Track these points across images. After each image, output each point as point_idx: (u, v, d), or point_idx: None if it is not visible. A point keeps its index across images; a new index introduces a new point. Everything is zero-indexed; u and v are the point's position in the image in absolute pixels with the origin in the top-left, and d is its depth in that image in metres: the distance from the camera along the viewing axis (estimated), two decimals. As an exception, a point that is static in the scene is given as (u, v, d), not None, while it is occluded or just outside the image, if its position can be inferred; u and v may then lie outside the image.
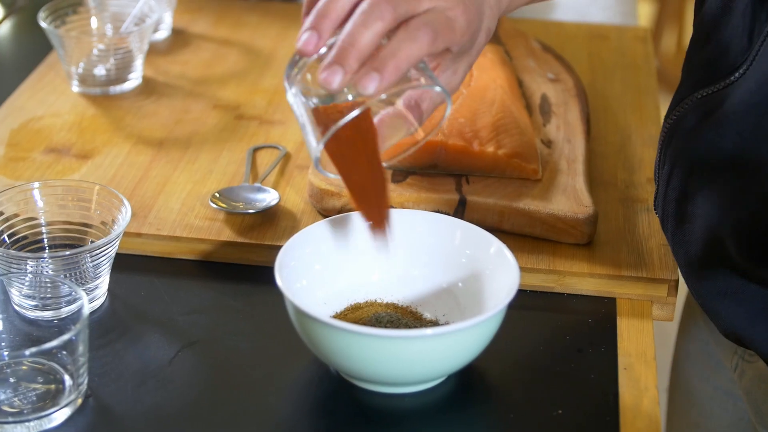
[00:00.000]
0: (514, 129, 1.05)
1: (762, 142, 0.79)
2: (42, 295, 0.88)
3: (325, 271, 0.88)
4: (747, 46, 0.83)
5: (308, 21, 0.78)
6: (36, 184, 0.93)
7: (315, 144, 0.79)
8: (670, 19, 2.81)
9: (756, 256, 0.82)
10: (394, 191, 0.99)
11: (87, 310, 0.80)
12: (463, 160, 1.01)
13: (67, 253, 0.87)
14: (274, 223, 0.99)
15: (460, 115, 1.05)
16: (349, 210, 0.98)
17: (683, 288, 0.95)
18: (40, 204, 0.93)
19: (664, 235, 0.92)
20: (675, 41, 2.43)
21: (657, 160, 0.91)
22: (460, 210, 0.98)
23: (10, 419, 0.79)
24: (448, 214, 0.97)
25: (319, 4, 0.78)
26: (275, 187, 1.04)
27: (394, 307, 0.89)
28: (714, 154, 0.83)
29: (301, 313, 0.79)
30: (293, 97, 0.81)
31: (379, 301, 0.89)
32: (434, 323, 0.87)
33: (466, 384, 0.84)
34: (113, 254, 0.90)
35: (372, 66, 0.75)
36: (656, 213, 0.92)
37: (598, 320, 0.91)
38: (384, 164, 0.85)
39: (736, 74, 0.83)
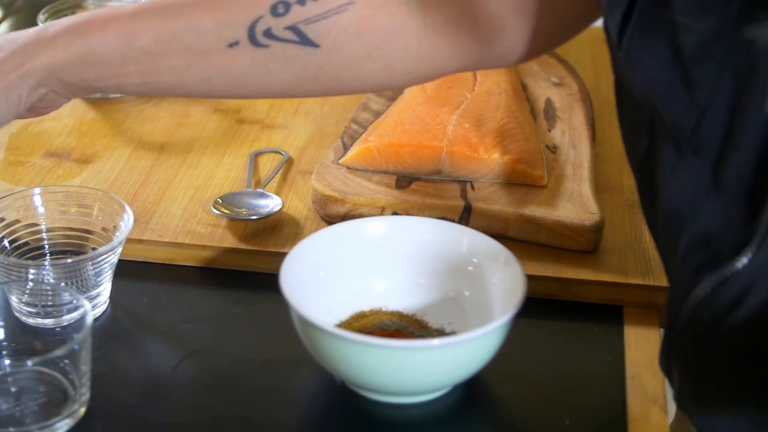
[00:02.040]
0: (519, 134, 1.04)
1: None
2: (43, 303, 0.87)
3: (329, 279, 0.87)
4: (749, 218, 0.69)
5: None
6: (37, 190, 0.92)
7: None
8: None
9: None
10: (398, 197, 0.98)
11: (90, 318, 0.79)
12: (468, 166, 1.00)
13: (69, 260, 0.86)
14: (277, 230, 0.98)
15: (464, 120, 1.04)
16: (354, 216, 0.97)
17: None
18: (41, 210, 0.92)
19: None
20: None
21: (667, 355, 0.80)
22: (465, 216, 0.97)
23: (12, 429, 0.78)
24: (452, 220, 0.96)
25: None
26: (278, 192, 1.03)
27: (399, 315, 0.88)
28: (740, 355, 0.72)
29: (306, 323, 0.78)
30: None
31: (384, 309, 0.88)
32: (440, 332, 0.86)
33: (472, 394, 0.83)
34: (115, 261, 0.89)
35: None
36: (685, 411, 0.80)
37: (604, 329, 0.90)
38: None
39: (749, 254, 0.69)
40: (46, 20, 1.18)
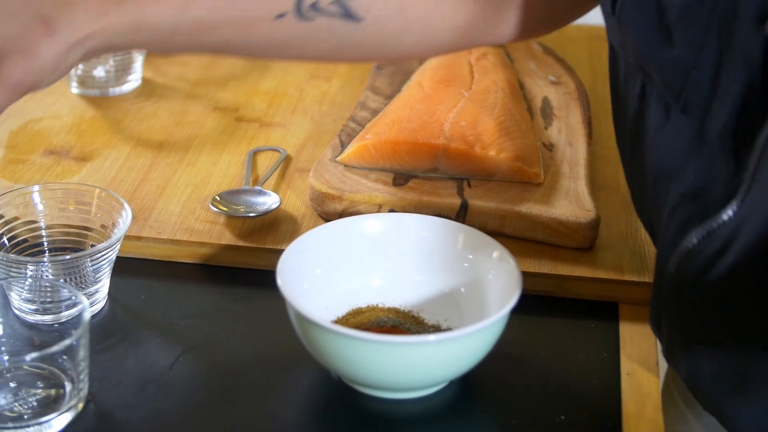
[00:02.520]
0: (516, 132, 1.04)
1: None
2: (42, 299, 0.87)
3: (326, 276, 0.87)
4: (734, 172, 0.72)
5: None
6: (36, 187, 0.93)
7: None
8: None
9: None
10: (395, 195, 0.99)
11: (88, 315, 0.79)
12: (465, 163, 1.01)
13: (68, 257, 0.87)
14: (274, 227, 0.99)
15: (461, 118, 1.05)
16: (351, 214, 0.97)
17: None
18: (40, 207, 0.93)
19: (689, 383, 0.83)
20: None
21: (658, 310, 0.83)
22: (461, 214, 0.98)
23: (10, 425, 0.79)
24: (449, 218, 0.96)
25: None
26: (276, 190, 1.03)
27: (395, 311, 0.88)
28: (750, 291, 0.74)
29: (303, 318, 0.79)
30: None
31: (380, 305, 0.89)
32: (436, 328, 0.87)
33: (469, 389, 0.84)
34: (114, 258, 0.90)
35: None
36: (672, 364, 0.84)
37: (600, 325, 0.91)
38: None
39: (734, 206, 0.72)
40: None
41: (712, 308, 0.77)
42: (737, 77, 0.70)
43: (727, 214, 0.72)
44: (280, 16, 0.84)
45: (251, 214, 0.98)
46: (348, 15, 0.85)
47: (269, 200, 1.00)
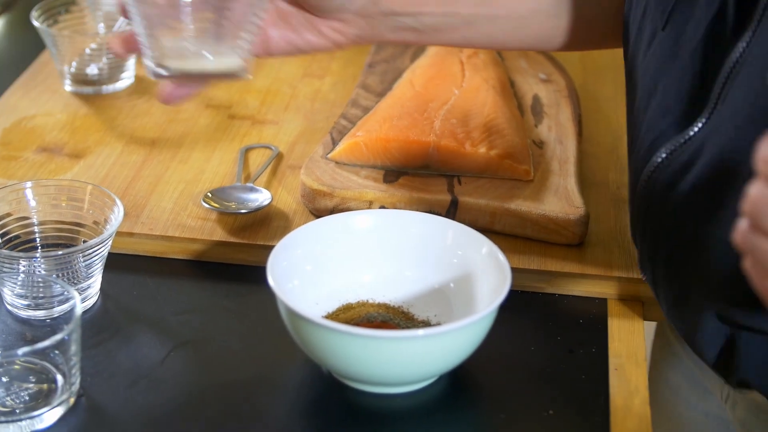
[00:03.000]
0: (506, 130, 1.05)
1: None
2: (34, 295, 0.88)
3: (316, 272, 0.88)
4: (703, 90, 0.79)
5: None
6: (28, 184, 0.93)
7: None
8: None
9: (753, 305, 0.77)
10: (386, 192, 0.99)
11: (79, 310, 0.80)
12: (455, 160, 1.01)
13: (60, 252, 0.88)
14: (266, 223, 0.99)
15: (452, 116, 1.05)
16: (342, 210, 0.98)
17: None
18: (33, 203, 0.93)
19: (657, 296, 0.88)
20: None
21: (636, 225, 0.87)
22: (452, 211, 0.98)
23: (2, 419, 0.79)
24: (440, 214, 0.97)
25: None
26: (267, 187, 1.04)
27: (385, 307, 0.89)
28: (709, 205, 0.78)
29: (293, 314, 0.80)
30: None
31: (370, 301, 0.89)
32: (426, 323, 0.88)
33: (458, 384, 0.85)
34: (105, 254, 0.90)
35: None
36: (642, 275, 0.89)
37: (589, 321, 0.92)
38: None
39: (700, 122, 0.78)
40: (39, 17, 1.19)
41: (678, 223, 0.81)
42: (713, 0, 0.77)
43: (693, 130, 0.79)
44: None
45: (243, 211, 0.99)
46: None
47: (261, 197, 1.01)
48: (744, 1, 0.76)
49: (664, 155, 0.81)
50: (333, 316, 0.87)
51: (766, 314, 0.75)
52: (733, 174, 0.75)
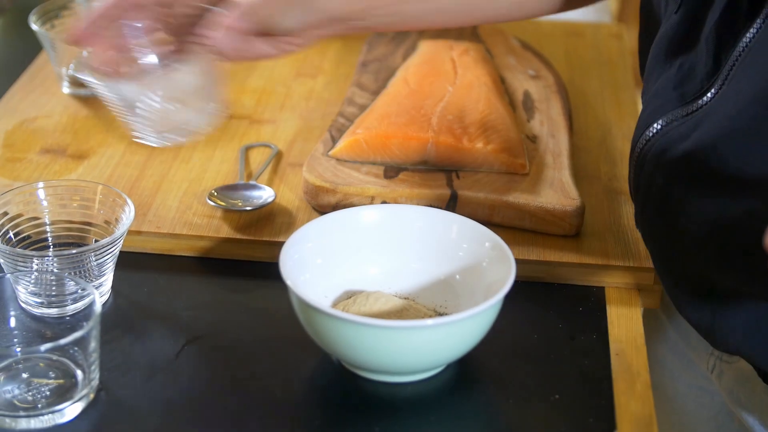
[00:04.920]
0: (501, 125, 1.08)
1: (748, 164, 0.79)
2: (47, 293, 0.90)
3: (326, 265, 0.90)
4: (713, 69, 0.84)
5: None
6: (40, 184, 0.95)
7: None
8: (634, 13, 2.85)
9: (741, 270, 0.83)
10: (387, 187, 1.02)
11: (99, 306, 0.82)
12: (454, 155, 1.04)
13: (74, 251, 0.90)
14: (270, 220, 1.02)
15: (448, 112, 1.08)
16: (344, 206, 1.00)
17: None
18: (44, 204, 0.95)
19: (648, 250, 0.93)
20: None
21: (631, 183, 0.92)
22: (451, 204, 1.01)
23: (24, 413, 0.81)
24: (440, 208, 0.99)
25: None
26: (269, 184, 1.06)
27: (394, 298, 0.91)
28: (694, 176, 0.83)
29: (307, 306, 0.82)
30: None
31: (379, 292, 0.91)
32: (433, 313, 0.90)
33: (465, 372, 0.87)
34: (117, 252, 0.92)
35: None
36: (638, 229, 0.94)
37: (588, 309, 0.95)
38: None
39: (705, 98, 0.84)
40: (37, 21, 1.20)
41: (664, 186, 0.86)
42: None
43: (696, 104, 0.84)
44: None
45: (248, 208, 1.01)
46: None
47: (264, 194, 1.03)
48: None
49: (663, 123, 0.86)
50: (342, 307, 0.90)
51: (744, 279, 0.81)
52: (724, 149, 0.80)
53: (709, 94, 0.84)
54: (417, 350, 0.82)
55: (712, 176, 0.81)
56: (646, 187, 0.88)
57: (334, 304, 0.90)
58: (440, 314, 0.90)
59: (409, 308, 0.90)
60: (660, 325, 1.09)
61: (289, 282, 0.83)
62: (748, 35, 0.81)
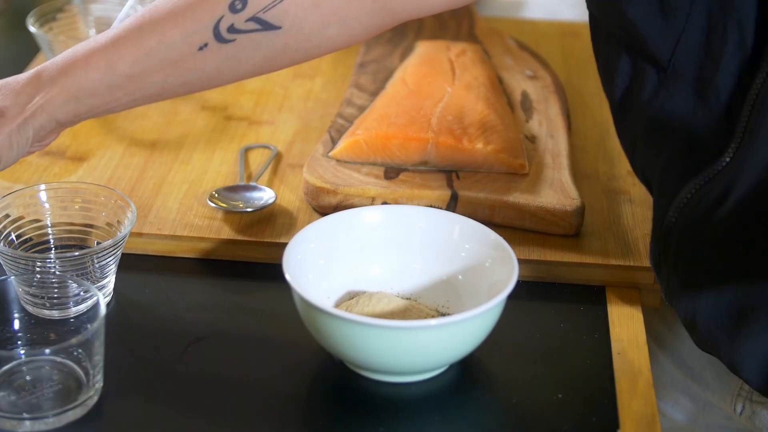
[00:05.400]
0: (500, 125, 1.08)
1: None
2: (49, 295, 0.90)
3: (329, 266, 0.91)
4: (726, 126, 0.80)
5: None
6: (42, 186, 0.95)
7: None
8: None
9: None
10: (388, 188, 1.02)
11: (104, 308, 0.82)
12: (454, 156, 1.05)
13: (77, 253, 0.90)
14: (271, 221, 1.02)
15: (447, 113, 1.08)
16: (345, 207, 1.01)
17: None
18: (46, 206, 0.95)
19: (688, 322, 0.88)
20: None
21: (657, 255, 0.89)
22: (452, 205, 1.01)
23: (29, 416, 0.81)
24: (440, 209, 1.00)
25: None
26: (269, 185, 1.06)
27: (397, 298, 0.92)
28: (739, 237, 0.81)
29: (311, 307, 0.82)
30: None
31: (381, 293, 0.92)
32: (436, 312, 0.90)
33: (468, 372, 0.88)
34: (120, 254, 0.92)
35: None
36: (669, 302, 0.90)
37: (589, 308, 0.95)
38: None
39: (727, 158, 0.80)
40: (35, 23, 1.20)
41: (715, 250, 0.83)
42: (729, 38, 0.78)
43: (721, 164, 0.80)
44: (203, 47, 0.89)
45: (249, 209, 1.01)
46: (267, 27, 0.88)
47: (265, 195, 1.04)
48: (760, 33, 0.78)
49: (693, 191, 0.83)
50: (344, 307, 0.90)
51: None
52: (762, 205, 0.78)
53: (731, 150, 0.80)
54: (421, 350, 0.83)
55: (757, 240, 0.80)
56: (690, 258, 0.86)
57: (337, 305, 0.91)
58: (443, 314, 0.90)
59: (411, 308, 0.90)
60: (661, 369, 1.07)
61: (292, 283, 0.84)
62: (758, 82, 0.77)
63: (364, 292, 0.92)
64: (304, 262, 0.88)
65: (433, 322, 0.81)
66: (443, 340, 0.83)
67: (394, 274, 0.93)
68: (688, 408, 1.06)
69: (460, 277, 0.91)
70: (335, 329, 0.82)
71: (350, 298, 0.91)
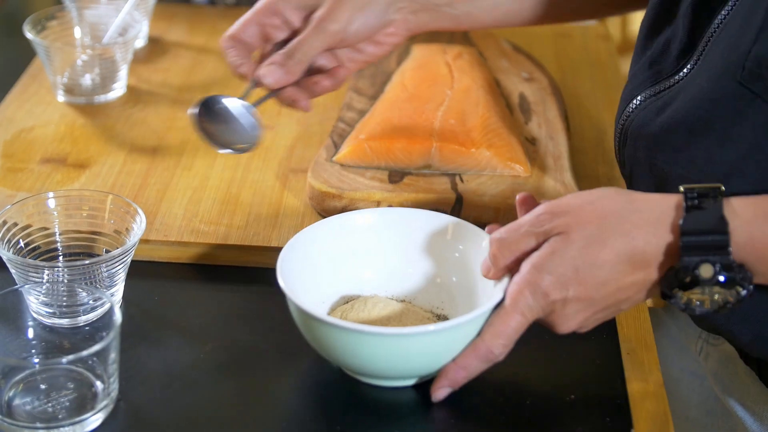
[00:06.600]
0: (502, 128, 1.09)
1: (721, 134, 0.84)
2: (59, 303, 0.90)
3: (323, 270, 0.91)
4: (688, 46, 0.89)
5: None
6: (50, 194, 0.95)
7: None
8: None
9: None
10: (393, 192, 1.03)
11: (119, 317, 0.82)
12: (457, 159, 1.05)
13: (87, 261, 0.90)
14: (278, 226, 1.02)
15: (449, 116, 1.09)
16: (350, 211, 1.01)
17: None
18: (54, 214, 0.95)
19: None
20: (619, 31, 2.50)
21: (617, 160, 0.97)
22: (456, 208, 1.02)
23: (44, 425, 0.81)
24: (445, 212, 1.00)
25: None
26: (272, 191, 1.07)
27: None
28: (673, 148, 0.87)
29: (306, 315, 0.82)
30: None
31: (376, 296, 0.92)
32: (430, 315, 0.91)
33: (480, 375, 0.88)
34: (129, 262, 0.92)
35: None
36: None
37: (596, 309, 0.96)
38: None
39: (681, 73, 0.89)
40: (31, 30, 1.20)
41: (646, 158, 0.90)
42: None
43: (673, 80, 0.89)
44: None
45: (228, 150, 0.99)
46: None
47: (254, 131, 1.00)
48: None
49: (641, 99, 0.91)
50: (340, 313, 0.90)
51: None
52: (699, 119, 0.84)
53: (684, 71, 0.89)
54: (421, 355, 0.83)
55: (687, 147, 0.85)
56: (631, 161, 0.92)
57: (332, 310, 0.91)
58: (438, 316, 0.91)
59: (407, 311, 0.90)
60: (654, 312, 1.11)
61: (286, 289, 0.83)
62: (723, 12, 0.85)
63: (358, 296, 0.92)
64: (299, 268, 0.88)
65: (431, 327, 0.81)
66: (444, 344, 0.83)
67: (388, 277, 0.93)
68: (667, 349, 1.10)
69: (454, 278, 0.91)
70: (333, 338, 0.82)
71: (345, 302, 0.91)
